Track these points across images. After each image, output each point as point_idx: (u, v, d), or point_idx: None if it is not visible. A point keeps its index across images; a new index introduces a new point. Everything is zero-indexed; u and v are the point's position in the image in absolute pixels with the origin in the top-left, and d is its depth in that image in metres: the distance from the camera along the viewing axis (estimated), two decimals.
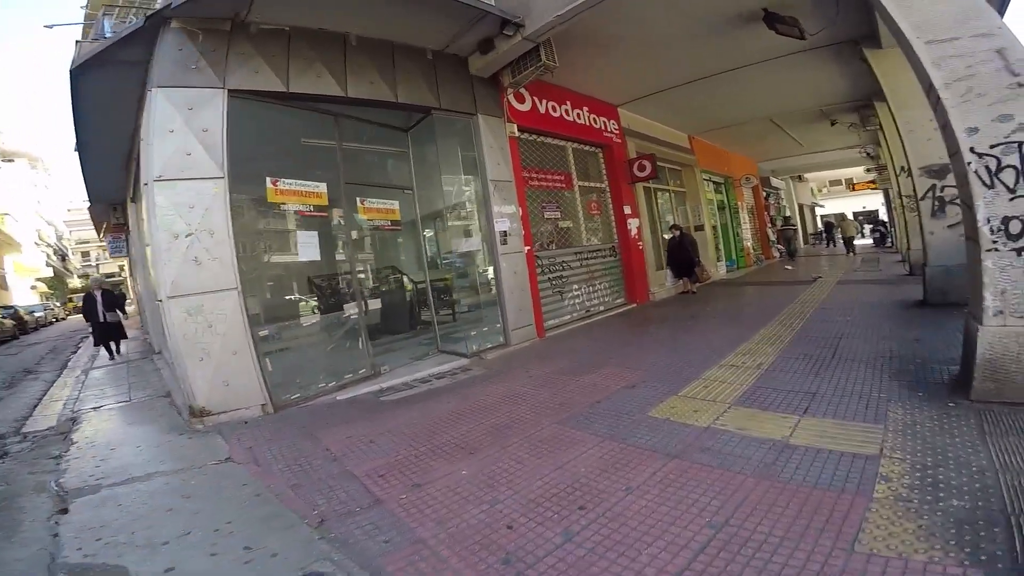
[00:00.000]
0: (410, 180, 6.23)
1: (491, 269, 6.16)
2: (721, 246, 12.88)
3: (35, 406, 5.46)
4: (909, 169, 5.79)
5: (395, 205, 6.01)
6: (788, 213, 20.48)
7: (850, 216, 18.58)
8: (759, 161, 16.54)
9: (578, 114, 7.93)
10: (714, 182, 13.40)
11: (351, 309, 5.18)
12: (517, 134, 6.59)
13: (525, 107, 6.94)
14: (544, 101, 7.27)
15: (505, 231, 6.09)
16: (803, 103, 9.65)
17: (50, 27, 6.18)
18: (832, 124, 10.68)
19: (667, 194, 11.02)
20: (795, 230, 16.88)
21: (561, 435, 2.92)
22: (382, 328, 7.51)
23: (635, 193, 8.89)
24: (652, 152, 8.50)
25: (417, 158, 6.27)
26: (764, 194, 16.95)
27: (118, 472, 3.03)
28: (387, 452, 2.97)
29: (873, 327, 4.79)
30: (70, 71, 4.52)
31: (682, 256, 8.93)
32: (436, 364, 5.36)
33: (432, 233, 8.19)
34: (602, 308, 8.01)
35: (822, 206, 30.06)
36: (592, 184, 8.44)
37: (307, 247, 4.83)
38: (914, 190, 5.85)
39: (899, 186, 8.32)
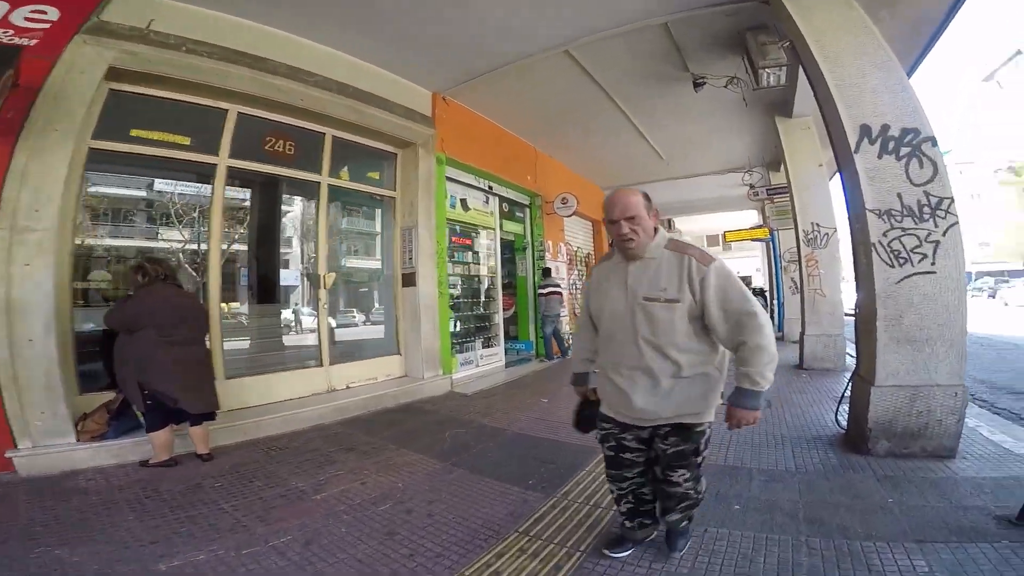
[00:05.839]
0: None
1: None
2: (499, 319, 6.67)
3: None
4: None
5: None
6: None
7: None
8: (606, 187, 11.20)
9: None
10: (508, 201, 7.39)
11: None
12: None
13: None
14: None
15: None
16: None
17: None
18: (697, 85, 5.08)
19: (336, 200, 4.54)
20: (559, 297, 7.18)
21: None
22: None
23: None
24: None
25: None
26: (610, 240, 11.52)
27: None
28: None
29: None
30: None
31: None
32: None
33: None
34: None
35: None
36: None
37: None
38: None
39: (862, 223, 2.52)
